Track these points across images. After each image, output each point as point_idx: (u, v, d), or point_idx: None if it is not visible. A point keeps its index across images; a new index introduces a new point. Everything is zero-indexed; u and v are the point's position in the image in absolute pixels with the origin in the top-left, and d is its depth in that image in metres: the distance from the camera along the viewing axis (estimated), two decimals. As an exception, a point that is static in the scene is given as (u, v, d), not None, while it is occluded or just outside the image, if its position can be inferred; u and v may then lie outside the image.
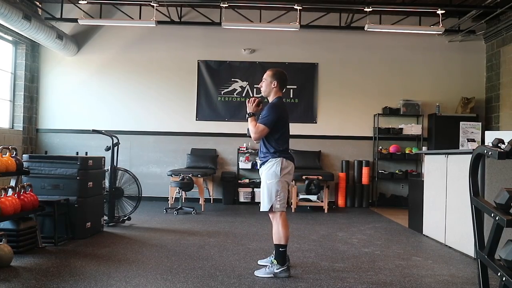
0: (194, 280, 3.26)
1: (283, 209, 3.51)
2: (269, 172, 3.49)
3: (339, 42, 8.63)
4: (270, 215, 3.55)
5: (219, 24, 7.70)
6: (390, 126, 8.43)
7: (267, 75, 3.64)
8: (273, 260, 3.46)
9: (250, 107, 3.59)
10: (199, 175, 7.08)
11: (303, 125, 8.53)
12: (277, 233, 3.45)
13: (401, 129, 8.38)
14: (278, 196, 3.46)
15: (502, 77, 7.97)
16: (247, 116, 3.59)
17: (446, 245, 4.69)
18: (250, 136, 3.61)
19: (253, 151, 8.27)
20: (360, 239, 5.06)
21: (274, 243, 3.48)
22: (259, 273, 3.45)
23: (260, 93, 3.89)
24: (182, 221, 6.08)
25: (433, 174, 5.11)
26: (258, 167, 3.64)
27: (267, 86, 3.63)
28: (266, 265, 3.52)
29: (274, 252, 3.51)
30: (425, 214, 5.32)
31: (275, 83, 3.59)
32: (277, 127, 3.52)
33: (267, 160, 3.52)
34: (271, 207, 3.47)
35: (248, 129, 3.59)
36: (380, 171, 8.36)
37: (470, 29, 8.18)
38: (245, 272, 3.54)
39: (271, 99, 3.64)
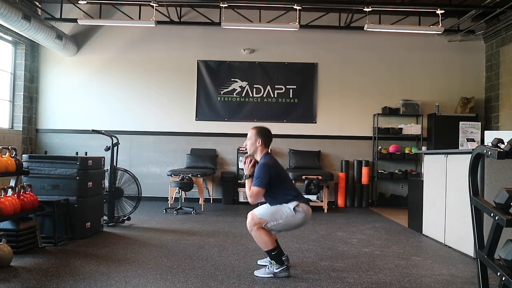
0: (194, 280, 3.26)
1: (269, 230, 3.43)
2: (286, 206, 3.39)
3: (339, 42, 8.63)
4: (248, 224, 3.44)
5: (219, 24, 7.70)
6: (390, 126, 8.44)
7: (251, 134, 3.60)
8: (272, 260, 3.46)
9: (246, 168, 3.55)
10: (198, 175, 7.08)
11: (303, 125, 8.54)
12: (262, 241, 3.39)
13: (401, 129, 8.39)
14: (277, 223, 3.39)
15: (501, 77, 7.97)
16: (244, 178, 3.57)
17: (446, 245, 4.69)
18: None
19: (253, 151, 8.25)
20: (360, 239, 5.06)
21: (264, 250, 3.45)
22: (258, 273, 3.45)
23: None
24: (181, 221, 6.08)
25: (433, 174, 5.11)
26: None
27: (252, 144, 3.58)
28: (266, 265, 3.52)
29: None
30: (425, 214, 5.32)
31: (260, 141, 3.55)
32: (276, 184, 3.43)
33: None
34: (263, 220, 3.38)
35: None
36: (379, 171, 8.36)
37: (469, 29, 8.19)
38: (245, 272, 3.54)
39: (258, 157, 3.57)
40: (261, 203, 3.59)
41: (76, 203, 4.64)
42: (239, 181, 8.29)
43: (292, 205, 3.38)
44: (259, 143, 3.56)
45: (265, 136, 3.60)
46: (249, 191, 3.45)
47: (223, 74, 8.58)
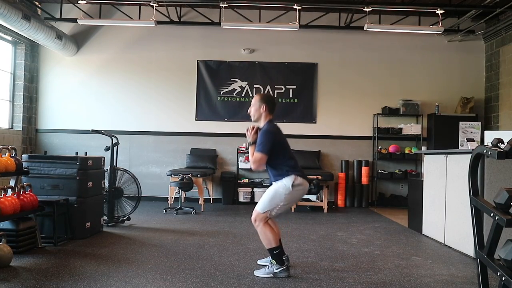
0: (194, 280, 3.26)
1: (277, 217, 3.50)
2: (281, 184, 3.41)
3: (339, 42, 8.63)
4: (253, 221, 3.46)
5: (219, 24, 7.70)
6: (390, 126, 8.44)
7: (255, 100, 3.61)
8: (272, 260, 3.46)
9: (249, 136, 3.55)
10: (198, 175, 7.08)
11: (303, 125, 8.53)
12: (265, 238, 3.41)
13: (401, 129, 8.38)
14: (279, 207, 3.41)
15: (501, 77, 7.98)
16: (248, 145, 3.58)
17: (446, 245, 4.69)
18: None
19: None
20: (360, 239, 5.06)
21: (266, 248, 3.46)
22: (258, 273, 3.45)
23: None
24: (181, 221, 6.07)
25: (433, 174, 5.11)
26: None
27: (256, 111, 3.58)
28: (266, 265, 3.52)
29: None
30: (425, 214, 5.32)
31: (264, 107, 3.55)
32: (276, 152, 3.45)
33: (280, 180, 3.44)
34: (266, 212, 3.41)
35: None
36: (379, 171, 8.36)
37: (469, 29, 8.19)
38: (245, 272, 3.54)
39: (262, 124, 3.58)
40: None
41: (76, 203, 4.64)
42: (239, 181, 8.29)
43: (289, 181, 3.38)
44: (263, 109, 3.56)
45: (269, 102, 3.60)
46: (252, 157, 3.47)
47: (223, 74, 8.58)
